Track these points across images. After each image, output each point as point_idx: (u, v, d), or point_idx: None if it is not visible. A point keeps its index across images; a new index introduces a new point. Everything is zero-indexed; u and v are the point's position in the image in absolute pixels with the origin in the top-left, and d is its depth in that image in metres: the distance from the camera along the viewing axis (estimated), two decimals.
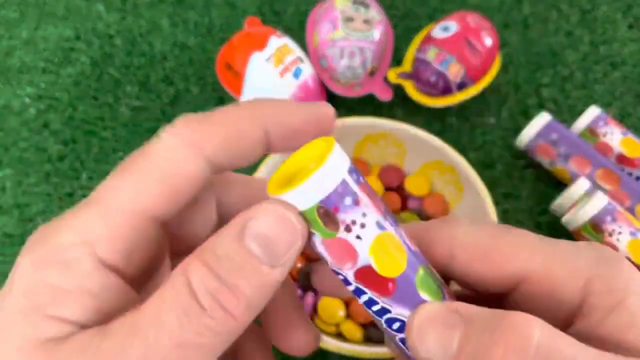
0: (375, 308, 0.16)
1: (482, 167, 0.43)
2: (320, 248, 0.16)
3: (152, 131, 0.44)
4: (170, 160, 0.15)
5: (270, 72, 0.41)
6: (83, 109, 0.45)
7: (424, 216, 0.38)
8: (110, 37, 0.49)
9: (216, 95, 0.46)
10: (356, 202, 0.15)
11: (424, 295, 0.16)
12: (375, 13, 0.45)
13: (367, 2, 0.45)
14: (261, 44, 0.42)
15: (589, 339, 0.15)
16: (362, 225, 0.15)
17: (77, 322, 0.14)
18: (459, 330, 0.15)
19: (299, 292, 0.34)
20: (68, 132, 0.44)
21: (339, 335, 0.34)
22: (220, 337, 0.14)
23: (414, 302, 0.16)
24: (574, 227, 0.37)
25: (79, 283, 0.14)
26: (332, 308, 0.33)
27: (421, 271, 0.16)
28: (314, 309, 0.34)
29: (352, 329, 0.33)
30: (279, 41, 0.43)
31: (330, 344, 0.30)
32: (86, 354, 0.14)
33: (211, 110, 0.16)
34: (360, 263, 0.15)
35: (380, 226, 0.15)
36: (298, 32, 0.49)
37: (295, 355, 0.19)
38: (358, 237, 0.15)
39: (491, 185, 0.42)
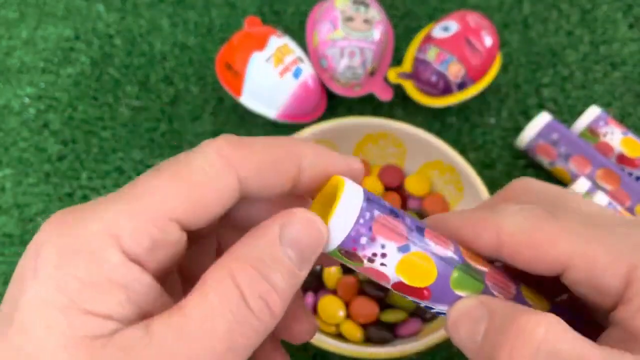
0: (421, 305, 0.18)
1: (482, 167, 0.43)
2: (357, 269, 0.18)
3: (152, 131, 0.44)
4: (205, 172, 0.16)
5: (270, 72, 0.41)
6: (83, 109, 0.45)
7: (423, 216, 0.38)
8: (110, 37, 0.49)
9: (216, 95, 0.46)
10: (372, 239, 0.17)
11: (460, 292, 0.18)
12: (375, 13, 0.45)
13: (367, 2, 0.45)
14: (261, 44, 0.42)
15: (628, 326, 0.16)
16: (383, 255, 0.17)
17: (115, 317, 0.14)
18: (483, 325, 0.16)
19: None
20: (68, 132, 0.44)
21: (339, 336, 0.34)
22: (262, 336, 0.15)
23: (452, 300, 0.18)
24: None
25: (108, 275, 0.14)
26: (332, 308, 0.33)
27: (455, 274, 0.18)
28: (314, 309, 0.34)
29: (352, 329, 0.33)
30: (279, 41, 0.43)
31: (330, 344, 0.30)
32: (133, 355, 0.14)
33: (253, 137, 0.17)
34: (392, 280, 0.17)
35: (402, 249, 0.17)
36: (298, 32, 0.49)
37: (295, 342, 0.20)
38: (382, 264, 0.17)
39: (491, 185, 0.42)
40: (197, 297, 0.14)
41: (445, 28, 0.44)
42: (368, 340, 0.34)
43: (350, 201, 0.17)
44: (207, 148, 0.16)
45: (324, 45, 0.44)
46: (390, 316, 0.33)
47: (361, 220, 0.16)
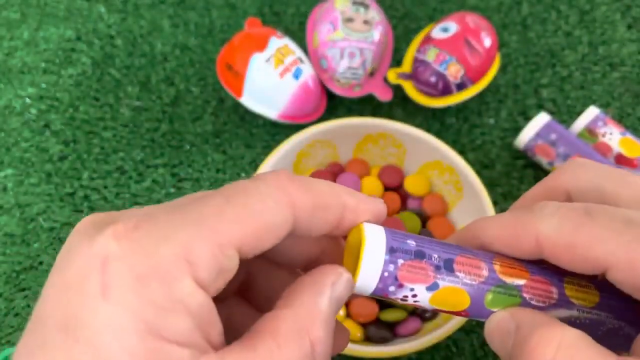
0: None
1: (482, 167, 0.44)
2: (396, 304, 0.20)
3: (153, 131, 0.44)
4: (267, 203, 0.16)
5: (271, 72, 0.41)
6: (84, 109, 0.45)
7: (423, 216, 0.38)
8: (111, 37, 0.49)
9: (217, 95, 0.46)
10: (399, 286, 0.18)
11: (496, 309, 0.19)
12: (375, 14, 0.45)
13: (367, 3, 0.46)
14: (262, 45, 0.42)
15: None
16: (414, 296, 0.18)
17: (187, 344, 0.14)
18: (512, 337, 0.18)
19: None
20: (69, 132, 0.44)
21: None
22: None
23: (489, 316, 0.19)
24: None
25: (182, 302, 0.14)
26: None
27: (490, 296, 0.19)
28: None
29: (353, 329, 0.34)
30: (279, 42, 0.43)
31: None
32: None
33: (304, 176, 0.18)
34: (430, 309, 0.19)
35: (431, 288, 0.18)
36: (298, 33, 0.50)
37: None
38: (415, 301, 0.19)
39: (490, 185, 0.42)
40: (269, 341, 0.15)
41: (445, 29, 0.44)
42: (368, 339, 0.34)
43: (373, 257, 0.18)
44: (269, 180, 0.17)
45: (324, 45, 0.44)
46: (389, 315, 0.34)
47: (385, 274, 0.18)
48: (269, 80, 0.41)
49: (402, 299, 0.18)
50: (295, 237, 0.19)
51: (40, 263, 0.39)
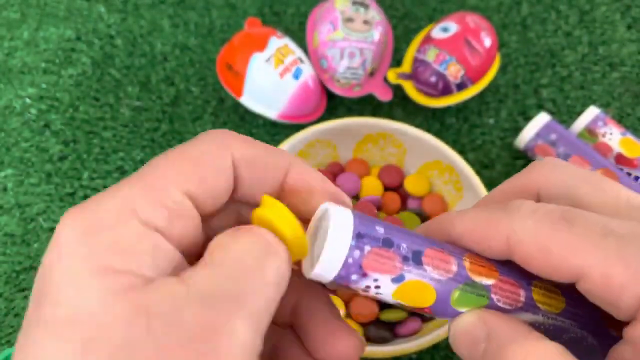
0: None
1: (481, 167, 0.44)
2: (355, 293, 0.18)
3: (153, 131, 0.44)
4: (205, 151, 0.17)
5: (271, 72, 0.41)
6: (84, 109, 0.45)
7: (423, 216, 0.38)
8: (111, 37, 0.49)
9: (217, 95, 0.46)
10: (363, 275, 0.17)
11: (462, 309, 0.18)
12: (375, 14, 0.45)
13: (367, 3, 0.46)
14: (262, 45, 0.42)
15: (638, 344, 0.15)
16: (377, 287, 0.17)
17: (147, 276, 0.14)
18: (483, 345, 0.17)
19: None
20: (69, 132, 0.44)
21: None
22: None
23: (454, 315, 0.18)
24: None
25: (132, 242, 0.15)
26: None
27: (456, 294, 0.17)
28: None
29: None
30: (279, 42, 0.43)
31: None
32: (176, 298, 0.14)
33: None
34: (393, 302, 0.18)
35: (397, 280, 0.17)
36: (298, 33, 0.50)
37: None
38: (378, 293, 0.17)
39: (490, 185, 0.42)
40: (221, 252, 0.15)
41: (445, 29, 0.44)
42: (368, 339, 0.34)
43: (338, 241, 0.16)
44: (210, 133, 0.18)
45: (324, 45, 0.44)
46: (389, 315, 0.34)
47: (350, 260, 0.16)
48: (269, 80, 0.41)
49: (363, 290, 0.17)
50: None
51: (40, 263, 0.39)
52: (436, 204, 0.39)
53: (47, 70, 0.47)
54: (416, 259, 0.17)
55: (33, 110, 0.45)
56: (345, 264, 0.16)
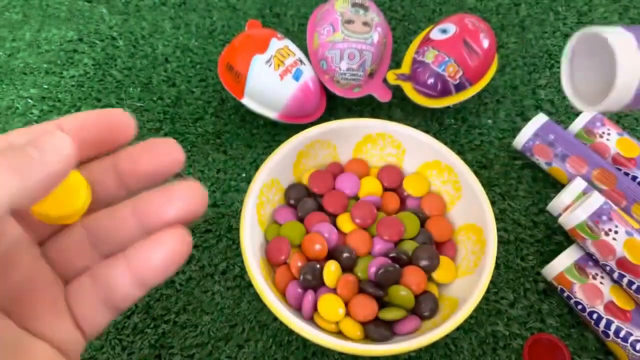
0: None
1: (480, 168, 0.44)
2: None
3: (154, 132, 0.45)
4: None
5: (271, 74, 0.42)
6: (86, 110, 0.45)
7: (422, 216, 0.38)
8: (112, 39, 0.49)
9: (218, 96, 0.47)
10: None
11: None
12: (374, 15, 0.46)
13: (367, 5, 0.46)
14: (262, 47, 0.42)
15: None
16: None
17: None
18: None
19: (299, 290, 0.35)
20: None
21: (339, 333, 0.34)
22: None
23: None
24: (571, 226, 0.38)
25: None
26: (332, 306, 0.34)
27: None
28: (314, 307, 0.35)
29: (352, 327, 0.34)
30: (279, 43, 0.43)
31: (329, 341, 0.31)
32: None
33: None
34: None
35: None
36: (298, 35, 0.50)
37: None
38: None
39: (489, 185, 0.43)
40: None
41: (444, 30, 0.44)
42: (367, 338, 0.34)
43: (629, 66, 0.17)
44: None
45: (324, 47, 0.44)
46: (388, 314, 0.34)
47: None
48: (270, 81, 0.42)
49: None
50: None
51: None
52: (435, 203, 0.39)
53: (49, 71, 0.47)
54: None
55: (35, 111, 0.45)
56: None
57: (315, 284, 0.35)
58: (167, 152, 0.20)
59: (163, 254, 0.19)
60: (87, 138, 0.19)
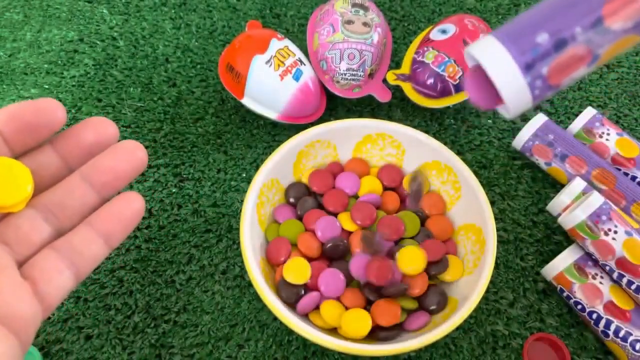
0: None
1: (479, 168, 0.44)
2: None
3: (155, 132, 0.45)
4: None
5: (271, 74, 0.42)
6: (87, 110, 0.45)
7: (422, 215, 0.39)
8: (113, 39, 0.49)
9: (218, 97, 0.47)
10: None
11: None
12: (374, 16, 0.46)
13: (367, 5, 0.46)
14: (262, 47, 0.42)
15: None
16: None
17: None
18: None
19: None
20: None
21: (338, 334, 0.34)
22: None
23: None
24: (570, 226, 0.38)
25: None
26: (333, 307, 0.34)
27: None
28: (317, 308, 0.35)
29: (357, 327, 0.34)
30: (279, 44, 0.43)
31: (329, 341, 0.31)
32: None
33: None
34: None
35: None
36: (298, 35, 0.50)
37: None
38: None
39: (488, 185, 0.43)
40: None
41: (443, 31, 0.44)
42: (373, 336, 0.34)
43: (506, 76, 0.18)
44: None
45: (324, 47, 0.45)
46: (406, 303, 0.34)
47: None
48: (270, 81, 0.42)
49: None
50: None
51: None
52: (435, 203, 0.39)
53: (50, 72, 0.47)
54: None
55: None
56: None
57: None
58: (103, 129, 0.22)
59: (128, 210, 0.22)
60: (18, 127, 0.20)
